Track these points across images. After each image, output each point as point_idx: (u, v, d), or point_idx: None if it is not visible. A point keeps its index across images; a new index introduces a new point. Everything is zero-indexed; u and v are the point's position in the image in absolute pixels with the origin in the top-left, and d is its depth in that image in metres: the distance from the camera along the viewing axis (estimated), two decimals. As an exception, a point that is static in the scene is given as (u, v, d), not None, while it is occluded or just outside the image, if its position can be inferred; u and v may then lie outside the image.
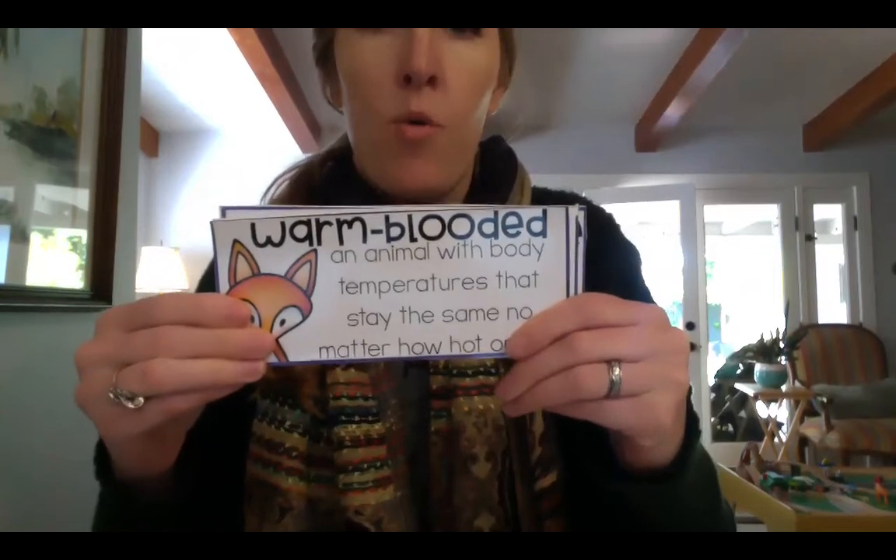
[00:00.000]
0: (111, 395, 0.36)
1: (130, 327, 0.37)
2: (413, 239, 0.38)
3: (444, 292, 0.38)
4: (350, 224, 0.38)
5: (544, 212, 0.38)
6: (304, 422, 0.56)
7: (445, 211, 0.38)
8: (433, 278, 0.38)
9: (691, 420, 0.45)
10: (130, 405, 0.36)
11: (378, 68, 0.52)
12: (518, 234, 0.38)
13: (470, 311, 0.38)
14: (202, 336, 0.36)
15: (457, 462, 0.54)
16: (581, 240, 0.38)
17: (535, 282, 0.38)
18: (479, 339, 0.38)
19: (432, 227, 0.38)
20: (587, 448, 0.47)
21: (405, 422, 0.57)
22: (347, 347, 0.39)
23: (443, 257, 0.38)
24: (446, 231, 0.38)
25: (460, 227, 0.38)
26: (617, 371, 0.36)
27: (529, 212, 0.38)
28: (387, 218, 0.38)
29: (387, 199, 0.58)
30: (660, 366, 0.37)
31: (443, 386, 0.56)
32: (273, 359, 0.38)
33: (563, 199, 0.68)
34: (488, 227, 0.38)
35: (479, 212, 0.38)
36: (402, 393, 0.57)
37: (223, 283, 0.38)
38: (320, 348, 0.39)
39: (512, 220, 0.38)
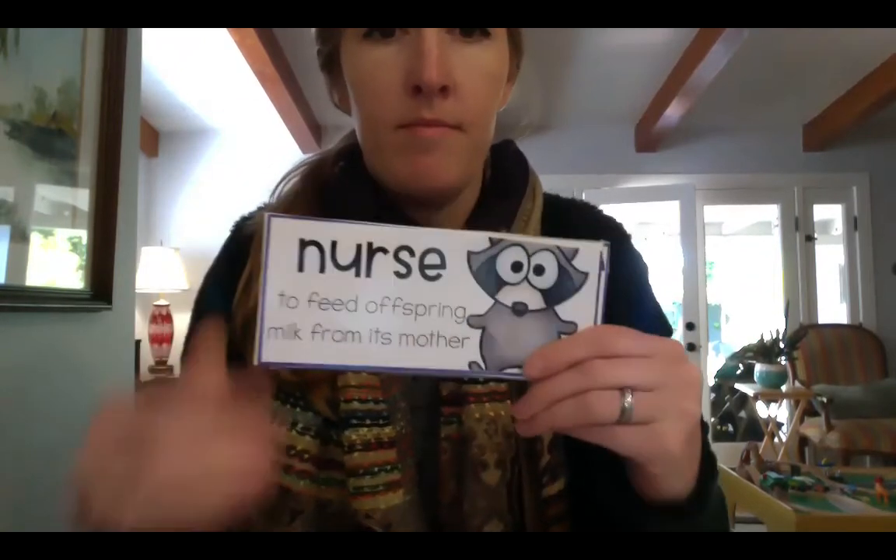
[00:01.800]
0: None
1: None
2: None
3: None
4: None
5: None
6: (315, 424, 0.55)
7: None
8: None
9: (709, 458, 0.46)
10: None
11: (387, 79, 0.51)
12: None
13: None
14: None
15: (467, 468, 0.54)
16: (604, 273, 0.40)
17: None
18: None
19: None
20: (606, 476, 0.48)
21: (414, 426, 0.56)
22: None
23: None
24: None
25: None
26: (629, 398, 0.37)
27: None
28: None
29: (398, 197, 0.57)
30: (671, 396, 0.38)
31: (453, 392, 0.56)
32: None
33: (574, 207, 0.67)
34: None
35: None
36: (411, 397, 0.57)
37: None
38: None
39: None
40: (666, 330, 0.64)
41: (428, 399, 0.57)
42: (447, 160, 0.53)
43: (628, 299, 0.59)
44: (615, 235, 0.66)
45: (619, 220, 0.68)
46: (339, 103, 0.62)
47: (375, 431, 0.54)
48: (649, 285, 0.65)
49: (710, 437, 0.47)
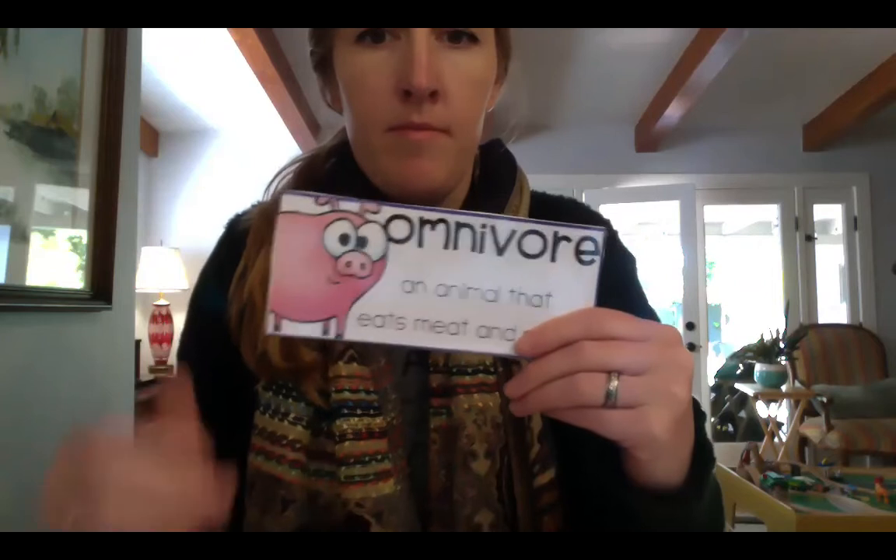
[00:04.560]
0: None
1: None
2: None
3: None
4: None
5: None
6: (306, 415, 0.56)
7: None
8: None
9: (704, 448, 0.46)
10: None
11: (378, 83, 0.53)
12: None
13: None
14: None
15: (456, 459, 0.54)
16: (598, 258, 0.40)
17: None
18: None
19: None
20: (598, 462, 0.48)
21: (405, 417, 0.57)
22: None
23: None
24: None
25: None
26: (614, 382, 0.37)
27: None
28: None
29: (388, 195, 0.58)
30: (659, 380, 0.38)
31: (442, 384, 0.56)
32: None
33: (560, 204, 0.68)
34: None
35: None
36: (401, 389, 0.58)
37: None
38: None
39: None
40: None
41: (418, 391, 0.58)
42: (435, 163, 0.54)
43: (613, 295, 0.60)
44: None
45: (606, 216, 0.68)
46: (332, 103, 0.64)
47: (366, 421, 0.54)
48: (639, 282, 0.66)
49: (708, 427, 0.47)
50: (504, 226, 0.40)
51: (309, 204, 0.39)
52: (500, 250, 0.40)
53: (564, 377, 0.37)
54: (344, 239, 0.39)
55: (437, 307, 0.39)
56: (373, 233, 0.39)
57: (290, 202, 0.39)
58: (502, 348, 0.40)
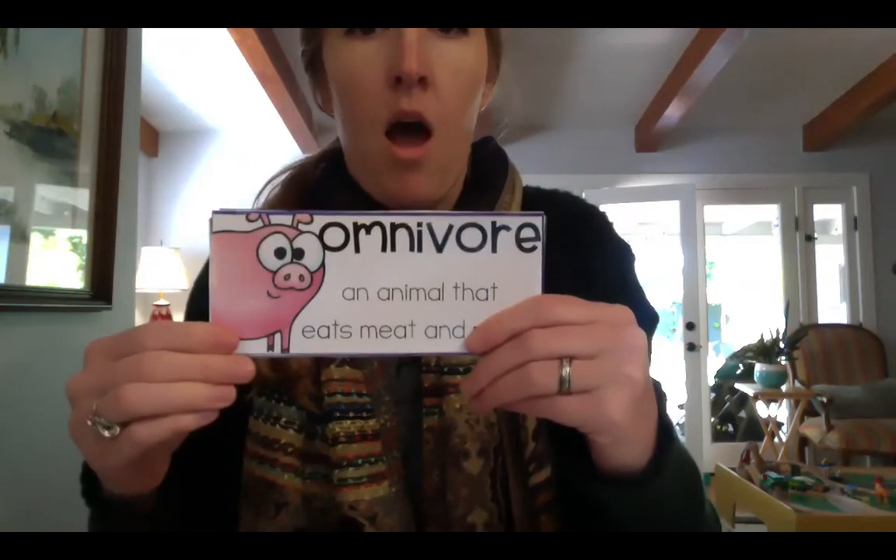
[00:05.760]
0: (89, 424, 0.37)
1: (116, 355, 0.37)
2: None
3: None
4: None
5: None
6: (299, 418, 0.56)
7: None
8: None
9: (665, 427, 0.45)
10: (106, 434, 0.36)
11: (368, 72, 0.53)
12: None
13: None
14: (185, 361, 0.36)
15: (449, 459, 0.54)
16: (540, 244, 0.39)
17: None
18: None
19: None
20: (570, 449, 0.47)
21: (399, 419, 0.57)
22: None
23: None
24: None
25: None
26: (567, 368, 0.36)
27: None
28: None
29: (380, 202, 0.58)
30: (612, 363, 0.37)
31: (434, 384, 0.56)
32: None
33: (554, 198, 0.68)
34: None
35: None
36: (395, 390, 0.58)
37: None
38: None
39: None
40: (649, 317, 0.63)
41: (412, 392, 0.58)
42: (426, 176, 0.55)
43: (609, 287, 0.59)
44: (597, 222, 0.66)
45: (605, 212, 0.68)
46: (323, 105, 0.63)
47: (359, 424, 0.54)
48: (635, 275, 0.65)
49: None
50: (440, 222, 0.39)
51: (240, 221, 0.38)
52: (440, 247, 0.39)
53: (516, 369, 0.37)
54: (280, 252, 0.39)
55: (381, 312, 0.39)
56: (308, 243, 0.39)
57: (221, 222, 0.38)
58: (452, 347, 0.39)
